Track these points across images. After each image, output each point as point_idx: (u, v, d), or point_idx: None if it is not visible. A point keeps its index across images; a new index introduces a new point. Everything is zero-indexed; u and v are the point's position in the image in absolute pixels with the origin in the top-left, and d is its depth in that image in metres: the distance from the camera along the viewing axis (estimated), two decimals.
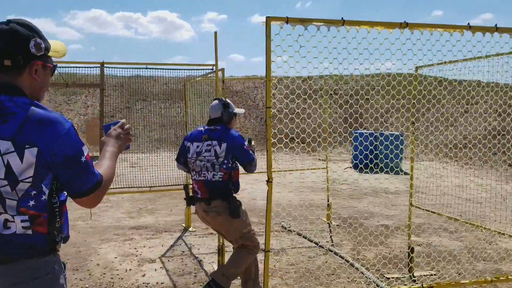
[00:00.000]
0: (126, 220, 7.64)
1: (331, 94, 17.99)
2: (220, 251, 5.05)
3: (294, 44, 2.52)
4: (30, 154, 1.61)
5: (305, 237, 6.37)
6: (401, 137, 12.85)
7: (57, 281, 1.74)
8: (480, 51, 2.76)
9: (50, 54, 1.81)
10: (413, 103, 4.96)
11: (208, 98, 5.78)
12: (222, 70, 4.84)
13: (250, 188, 9.61)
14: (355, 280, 4.77)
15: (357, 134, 14.36)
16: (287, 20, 2.49)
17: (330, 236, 6.43)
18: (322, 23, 2.53)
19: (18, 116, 1.62)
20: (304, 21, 2.51)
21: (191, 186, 4.05)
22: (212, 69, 5.04)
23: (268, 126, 2.57)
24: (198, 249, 5.97)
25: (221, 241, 5.05)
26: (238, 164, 3.80)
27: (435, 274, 5.02)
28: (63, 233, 1.79)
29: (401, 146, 12.74)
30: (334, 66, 2.63)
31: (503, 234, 4.14)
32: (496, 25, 2.74)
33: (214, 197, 3.73)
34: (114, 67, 6.14)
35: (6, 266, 1.64)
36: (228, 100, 3.93)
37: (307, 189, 10.25)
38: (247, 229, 3.86)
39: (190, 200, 3.97)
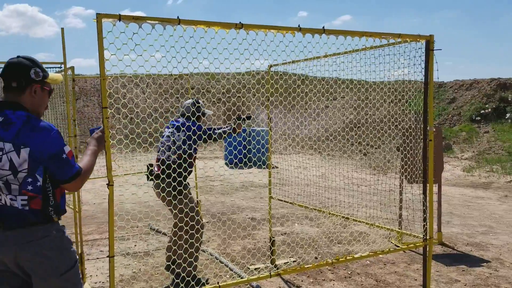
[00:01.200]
0: None
1: (203, 92, 18.10)
2: (79, 260, 4.77)
3: (129, 42, 2.45)
4: (25, 152, 2.25)
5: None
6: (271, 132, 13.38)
7: (54, 241, 2.34)
8: (311, 51, 2.97)
9: (48, 81, 2.45)
10: (271, 100, 5.18)
11: (61, 98, 5.39)
12: (72, 68, 4.56)
13: (118, 190, 9.25)
14: (220, 275, 4.86)
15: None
16: (120, 17, 2.41)
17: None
18: (157, 22, 2.50)
19: (16, 125, 2.27)
20: (138, 19, 2.46)
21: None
22: (61, 67, 4.71)
23: (105, 127, 2.47)
24: None
25: (79, 250, 4.77)
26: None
27: (295, 261, 5.33)
28: (61, 208, 2.40)
29: (271, 141, 13.28)
30: (173, 65, 2.61)
31: (348, 218, 4.54)
32: (323, 27, 2.96)
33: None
34: None
35: (12, 231, 2.28)
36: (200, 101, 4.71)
37: None
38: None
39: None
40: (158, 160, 4.47)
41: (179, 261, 4.45)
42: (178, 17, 2.54)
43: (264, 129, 14.36)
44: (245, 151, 14.73)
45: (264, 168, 13.50)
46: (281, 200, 5.50)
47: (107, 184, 2.52)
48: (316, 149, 14.42)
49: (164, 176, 4.19)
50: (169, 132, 4.53)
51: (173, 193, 4.17)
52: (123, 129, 2.66)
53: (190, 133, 4.32)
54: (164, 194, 4.27)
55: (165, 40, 2.52)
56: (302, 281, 4.75)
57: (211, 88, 19.18)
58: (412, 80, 3.94)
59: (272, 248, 5.15)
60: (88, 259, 5.44)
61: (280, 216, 7.49)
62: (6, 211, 2.30)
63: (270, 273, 3.04)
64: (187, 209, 4.31)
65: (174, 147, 4.36)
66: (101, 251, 5.88)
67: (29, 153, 2.24)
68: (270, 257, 5.19)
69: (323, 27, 2.94)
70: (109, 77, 2.50)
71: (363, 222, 4.52)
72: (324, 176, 11.20)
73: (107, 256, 5.40)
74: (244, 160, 14.21)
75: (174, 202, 4.26)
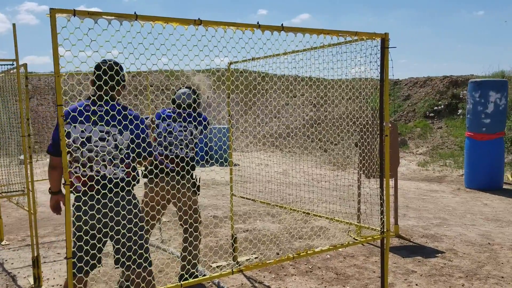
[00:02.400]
0: None
1: (162, 89, 17.86)
2: (35, 262, 4.63)
3: (84, 38, 2.39)
4: (126, 133, 3.01)
5: None
6: (232, 129, 13.36)
7: (131, 204, 3.07)
8: (270, 48, 2.99)
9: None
10: (232, 97, 5.18)
11: (14, 96, 5.20)
12: (25, 65, 4.40)
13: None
14: (182, 273, 4.81)
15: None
16: (74, 12, 2.35)
17: (160, 233, 6.39)
18: (113, 17, 2.45)
19: (118, 113, 2.96)
20: (93, 14, 2.40)
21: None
22: (13, 64, 4.53)
23: (60, 126, 2.40)
24: (12, 263, 5.37)
25: (35, 253, 4.62)
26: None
27: (257, 257, 5.37)
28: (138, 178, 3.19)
29: (233, 138, 13.25)
30: (130, 61, 2.57)
31: (309, 214, 4.62)
32: (282, 24, 2.99)
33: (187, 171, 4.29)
34: None
35: (104, 196, 2.96)
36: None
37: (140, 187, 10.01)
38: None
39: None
40: (168, 156, 4.30)
41: (195, 253, 4.51)
42: (135, 13, 2.50)
43: (225, 126, 14.34)
44: (207, 148, 14.65)
45: (225, 165, 13.49)
46: (243, 198, 5.52)
47: (63, 183, 2.46)
48: (278, 146, 14.53)
49: (183, 172, 4.21)
50: (179, 126, 4.35)
51: (193, 189, 4.35)
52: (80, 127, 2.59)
53: (201, 127, 4.41)
54: (185, 190, 4.25)
55: (122, 36, 2.48)
56: (264, 277, 4.79)
57: (171, 86, 18.96)
58: (369, 78, 4.04)
59: (234, 245, 5.16)
60: (45, 262, 5.28)
61: (242, 213, 7.51)
62: (102, 180, 2.98)
63: (232, 269, 3.05)
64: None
65: (186, 141, 4.32)
66: (58, 253, 5.71)
67: (129, 133, 3.01)
68: (232, 254, 5.20)
69: (282, 25, 2.97)
70: (64, 74, 2.43)
71: (323, 217, 4.60)
72: (285, 173, 11.30)
73: (64, 258, 5.26)
74: (206, 157, 14.12)
75: (193, 197, 4.41)
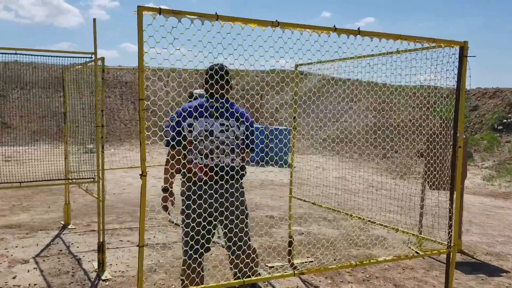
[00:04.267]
0: None
1: (227, 88, 18.08)
2: (101, 248, 4.85)
3: (168, 36, 2.47)
4: (242, 126, 3.40)
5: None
6: (293, 132, 13.33)
7: (242, 189, 3.50)
8: (345, 52, 2.96)
9: None
10: (295, 99, 5.18)
11: (88, 88, 5.48)
12: (102, 58, 4.62)
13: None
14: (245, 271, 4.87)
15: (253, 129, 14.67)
16: (160, 11, 2.44)
17: (217, 229, 6.49)
18: (195, 17, 2.52)
19: (233, 108, 3.42)
20: (177, 13, 2.48)
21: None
22: (91, 57, 4.78)
23: (141, 119, 2.50)
24: (77, 247, 5.66)
25: (101, 239, 4.84)
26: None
27: (312, 261, 5.33)
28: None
29: (294, 140, 13.21)
30: (209, 60, 2.63)
31: (374, 222, 4.52)
32: (359, 28, 2.95)
33: None
34: None
35: (224, 182, 3.30)
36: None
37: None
38: None
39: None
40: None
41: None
42: (216, 13, 2.56)
43: (284, 128, 14.34)
44: (267, 149, 14.69)
45: (285, 167, 13.48)
46: (302, 200, 5.50)
47: (140, 174, 2.56)
48: (339, 151, 14.34)
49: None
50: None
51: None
52: (158, 121, 2.69)
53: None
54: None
55: (203, 35, 2.54)
56: (320, 281, 4.75)
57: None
58: (439, 86, 3.89)
59: (291, 246, 5.15)
60: (108, 248, 5.52)
61: (298, 216, 7.49)
62: (220, 169, 3.29)
63: (294, 271, 3.05)
64: None
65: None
66: (120, 240, 5.95)
67: (245, 127, 3.40)
68: (288, 256, 5.19)
69: (358, 28, 2.93)
70: (147, 70, 2.53)
71: (386, 226, 4.49)
72: (344, 178, 11.14)
73: (136, 245, 5.47)
74: (266, 158, 14.20)
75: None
